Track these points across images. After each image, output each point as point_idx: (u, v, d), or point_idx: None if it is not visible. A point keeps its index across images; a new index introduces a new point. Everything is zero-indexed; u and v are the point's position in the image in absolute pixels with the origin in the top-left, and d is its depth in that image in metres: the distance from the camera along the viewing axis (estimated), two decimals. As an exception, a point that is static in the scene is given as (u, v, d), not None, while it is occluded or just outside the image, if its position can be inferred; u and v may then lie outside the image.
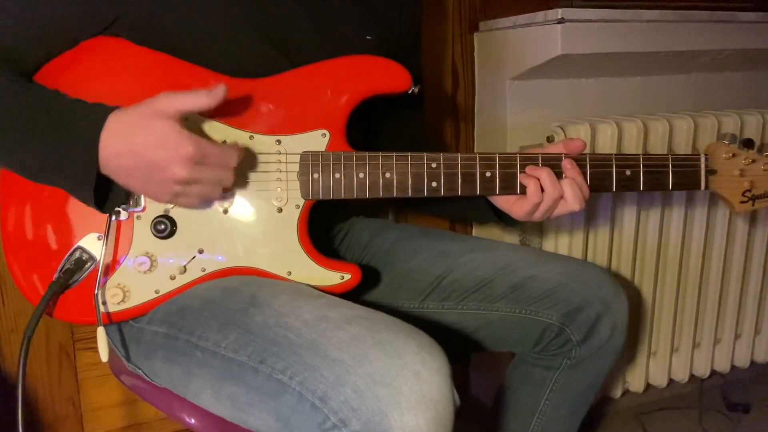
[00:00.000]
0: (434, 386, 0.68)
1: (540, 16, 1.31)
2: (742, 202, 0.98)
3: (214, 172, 0.76)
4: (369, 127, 1.02)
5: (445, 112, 1.49)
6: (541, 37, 1.32)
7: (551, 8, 1.29)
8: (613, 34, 1.33)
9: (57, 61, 0.82)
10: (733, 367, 1.66)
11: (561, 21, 1.27)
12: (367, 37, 0.96)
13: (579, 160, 0.91)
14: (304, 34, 0.90)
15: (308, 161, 0.85)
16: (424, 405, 0.67)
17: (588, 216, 1.41)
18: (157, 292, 0.84)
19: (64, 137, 0.73)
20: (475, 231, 1.53)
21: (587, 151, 1.34)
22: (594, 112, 1.46)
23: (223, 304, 0.82)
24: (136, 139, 0.73)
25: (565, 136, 1.35)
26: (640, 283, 1.50)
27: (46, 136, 0.74)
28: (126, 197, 0.82)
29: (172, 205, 0.83)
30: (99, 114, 0.74)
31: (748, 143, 0.96)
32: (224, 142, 0.83)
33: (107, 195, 0.80)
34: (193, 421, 0.88)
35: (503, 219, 0.99)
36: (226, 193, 0.83)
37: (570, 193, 0.89)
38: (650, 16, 1.36)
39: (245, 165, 0.84)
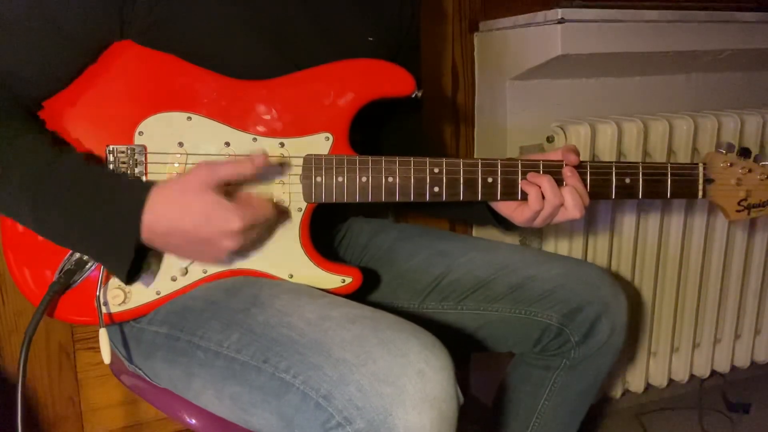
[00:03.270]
0: (438, 385, 0.68)
1: (540, 16, 1.31)
2: (737, 211, 0.98)
3: (259, 229, 0.80)
4: (368, 128, 1.01)
5: (445, 112, 1.49)
6: (541, 37, 1.32)
7: (551, 8, 1.29)
8: (613, 34, 1.33)
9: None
10: (733, 367, 1.67)
11: (561, 21, 1.27)
12: (369, 39, 0.95)
13: (579, 168, 0.91)
14: (305, 35, 0.89)
15: (311, 164, 0.85)
16: (428, 403, 0.67)
17: (588, 216, 1.41)
18: (158, 293, 0.84)
19: (103, 215, 0.74)
20: (475, 231, 1.53)
21: (587, 152, 1.35)
22: (594, 112, 1.46)
23: (225, 305, 0.82)
24: (185, 220, 0.74)
25: (565, 136, 1.35)
26: (640, 284, 1.50)
27: (83, 213, 0.74)
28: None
29: None
30: (138, 193, 0.74)
31: (745, 152, 0.96)
32: (227, 144, 0.83)
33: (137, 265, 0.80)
34: (193, 421, 0.88)
35: (503, 224, 0.99)
36: None
37: (571, 201, 0.90)
38: (650, 16, 1.36)
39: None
